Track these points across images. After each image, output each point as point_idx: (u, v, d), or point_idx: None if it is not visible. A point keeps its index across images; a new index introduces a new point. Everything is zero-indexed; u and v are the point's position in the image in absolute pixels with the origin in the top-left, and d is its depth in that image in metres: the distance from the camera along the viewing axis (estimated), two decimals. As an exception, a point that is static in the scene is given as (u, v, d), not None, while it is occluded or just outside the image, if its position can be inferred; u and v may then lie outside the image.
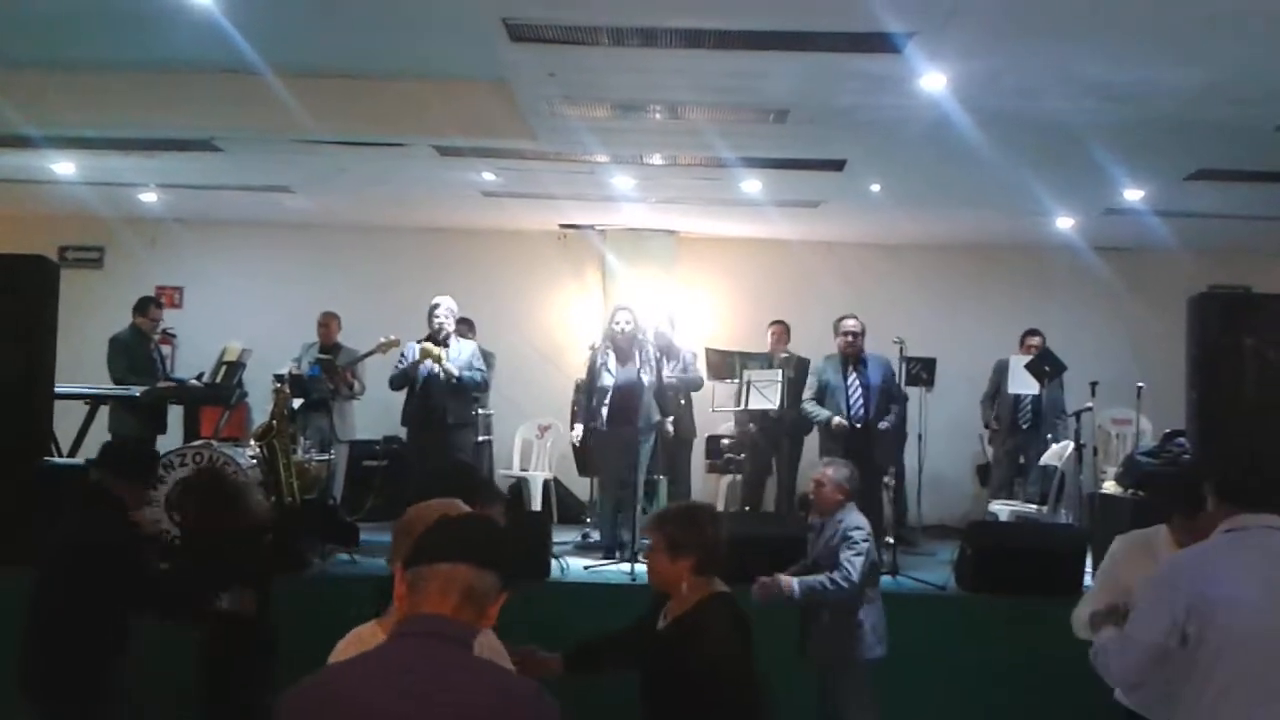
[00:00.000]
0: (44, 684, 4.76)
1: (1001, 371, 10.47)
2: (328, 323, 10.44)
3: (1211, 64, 6.47)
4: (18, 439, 7.31)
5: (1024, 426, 10.33)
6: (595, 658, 4.08)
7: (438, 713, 2.15)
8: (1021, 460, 10.42)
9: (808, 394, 9.15)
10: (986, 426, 10.94)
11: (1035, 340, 10.47)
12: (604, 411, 8.86)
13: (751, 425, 9.69)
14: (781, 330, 10.31)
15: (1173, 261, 11.46)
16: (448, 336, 8.80)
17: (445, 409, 8.66)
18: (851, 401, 8.88)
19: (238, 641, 4.95)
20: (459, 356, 8.77)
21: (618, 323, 9.11)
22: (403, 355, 8.83)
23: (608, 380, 8.91)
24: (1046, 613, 7.10)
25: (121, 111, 7.90)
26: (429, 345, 8.67)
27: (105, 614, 4.74)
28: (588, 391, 9.13)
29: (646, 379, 8.92)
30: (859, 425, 8.81)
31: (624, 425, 8.77)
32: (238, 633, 4.94)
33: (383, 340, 9.32)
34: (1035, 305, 11.75)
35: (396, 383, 8.83)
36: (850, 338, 9.01)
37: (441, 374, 8.63)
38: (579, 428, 9.28)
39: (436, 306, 8.82)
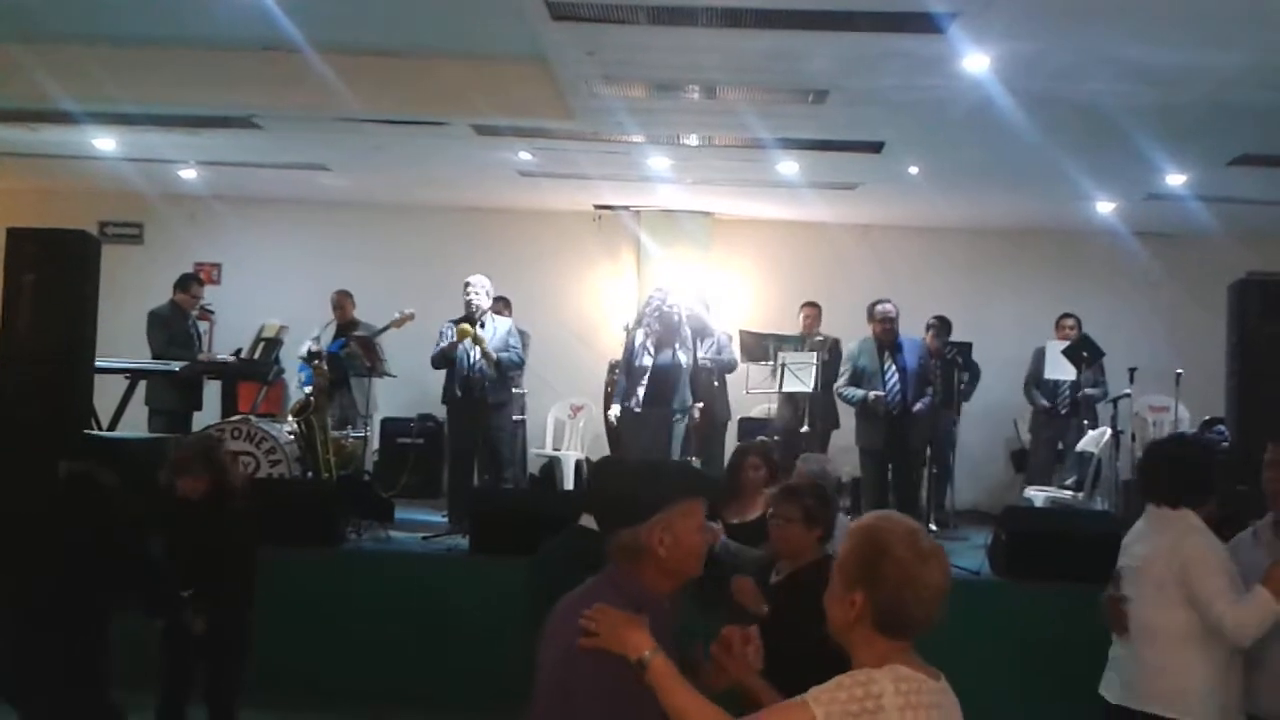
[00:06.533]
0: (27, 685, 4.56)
1: (1040, 358, 10.42)
2: (342, 302, 10.44)
3: (1255, 48, 6.39)
4: (59, 412, 7.39)
5: (1063, 412, 10.27)
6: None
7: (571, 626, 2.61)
8: (1059, 446, 10.36)
9: (842, 380, 9.14)
10: (1034, 403, 10.72)
11: (1069, 322, 10.41)
12: (640, 392, 8.88)
13: (785, 410, 9.71)
14: (814, 312, 10.29)
15: (1212, 247, 11.33)
16: (483, 315, 8.84)
17: (485, 388, 8.74)
18: (889, 386, 8.88)
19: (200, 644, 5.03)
20: (495, 335, 8.83)
21: (653, 304, 9.13)
22: (442, 334, 8.90)
23: (646, 361, 8.92)
24: (1080, 599, 7.11)
25: (163, 88, 7.94)
26: (465, 326, 8.72)
27: (92, 606, 4.63)
28: (625, 372, 9.14)
29: (684, 361, 8.94)
30: (895, 411, 8.80)
31: (659, 406, 8.79)
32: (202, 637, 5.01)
33: (398, 315, 9.39)
34: (1073, 290, 11.65)
35: (437, 363, 8.93)
36: (887, 323, 8.99)
37: (479, 354, 8.69)
38: (616, 407, 9.28)
39: (469, 285, 8.87)
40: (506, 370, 8.95)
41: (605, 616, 2.59)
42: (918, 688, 2.46)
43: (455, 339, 8.75)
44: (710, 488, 3.10)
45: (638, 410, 8.90)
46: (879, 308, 9.09)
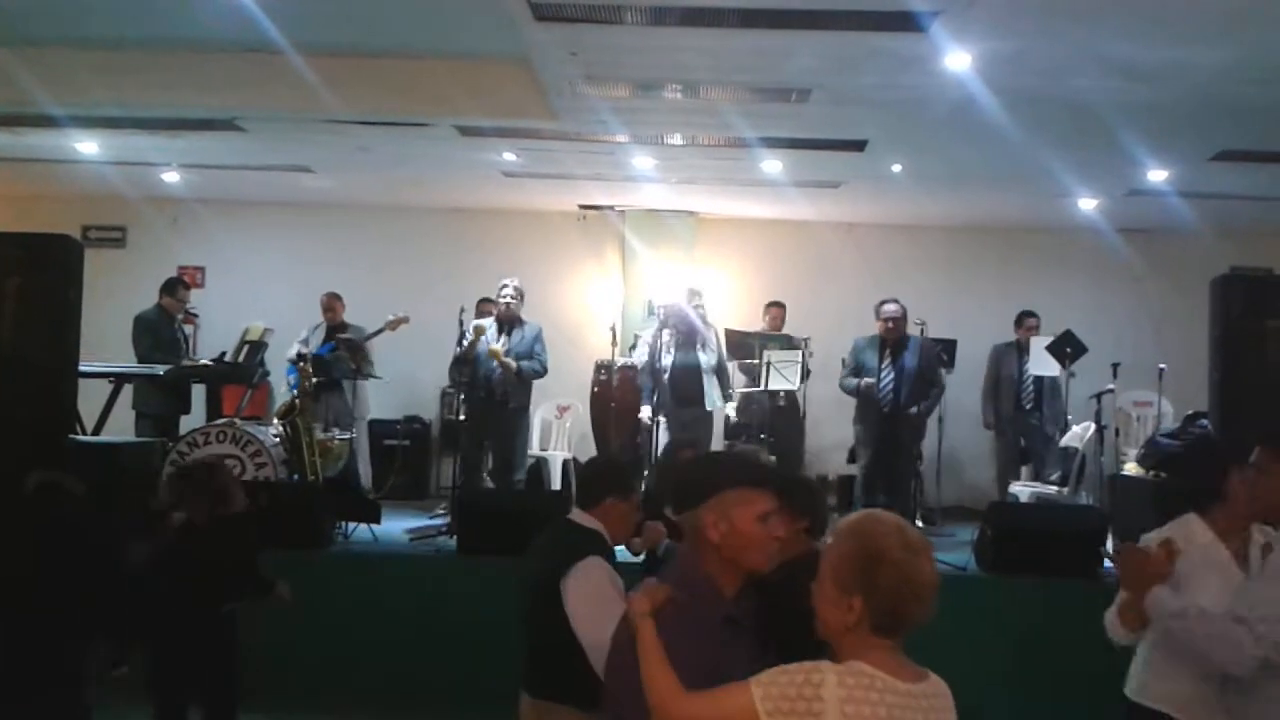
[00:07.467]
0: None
1: (998, 358, 10.49)
2: (332, 305, 10.43)
3: (1237, 44, 6.43)
4: (43, 417, 7.36)
5: (1027, 406, 10.33)
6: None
7: None
8: (1023, 442, 10.42)
9: (846, 371, 9.22)
10: (988, 426, 10.84)
11: (1033, 321, 10.47)
12: (663, 391, 8.93)
13: (780, 404, 9.77)
14: (779, 312, 10.38)
15: (1195, 243, 11.39)
16: (515, 318, 8.91)
17: (506, 391, 8.86)
18: (884, 385, 8.91)
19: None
20: (523, 340, 8.92)
21: (675, 304, 9.19)
22: (464, 332, 8.92)
23: (666, 361, 8.98)
24: (1066, 594, 7.17)
25: (146, 90, 7.92)
26: (479, 323, 8.85)
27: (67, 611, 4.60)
28: (649, 372, 9.16)
29: (704, 361, 8.99)
30: (886, 409, 8.83)
31: (689, 406, 8.87)
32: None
33: (391, 318, 9.41)
34: (1056, 287, 11.73)
35: (459, 363, 9.08)
36: (891, 323, 9.03)
37: (497, 368, 8.73)
38: (646, 408, 9.25)
39: (504, 286, 9.01)
40: (528, 378, 8.99)
41: (641, 591, 2.79)
42: (868, 684, 2.42)
43: (473, 335, 8.84)
44: (776, 480, 3.02)
45: (663, 408, 8.94)
46: (885, 307, 9.12)
